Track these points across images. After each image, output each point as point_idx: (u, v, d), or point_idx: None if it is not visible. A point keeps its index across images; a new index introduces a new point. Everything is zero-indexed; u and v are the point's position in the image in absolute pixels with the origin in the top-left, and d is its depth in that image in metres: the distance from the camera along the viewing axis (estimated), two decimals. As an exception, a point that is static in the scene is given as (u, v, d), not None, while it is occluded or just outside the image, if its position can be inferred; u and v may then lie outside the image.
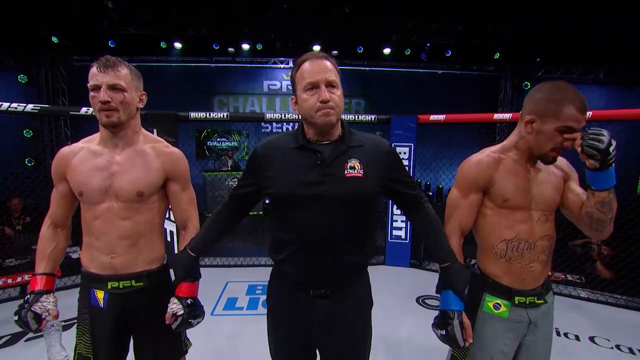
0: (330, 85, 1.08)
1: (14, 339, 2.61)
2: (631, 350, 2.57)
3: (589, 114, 3.11)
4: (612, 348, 2.60)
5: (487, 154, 1.30)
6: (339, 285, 1.18)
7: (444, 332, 1.18)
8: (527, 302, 1.25)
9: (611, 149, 1.05)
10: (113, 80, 1.20)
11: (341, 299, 1.18)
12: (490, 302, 1.28)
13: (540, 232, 1.24)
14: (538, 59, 6.10)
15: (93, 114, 1.25)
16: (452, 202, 1.33)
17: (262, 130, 7.20)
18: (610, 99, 6.81)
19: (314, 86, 1.07)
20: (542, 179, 1.26)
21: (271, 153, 1.17)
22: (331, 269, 1.15)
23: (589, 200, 1.18)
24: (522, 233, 1.24)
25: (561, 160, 1.31)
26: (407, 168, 4.12)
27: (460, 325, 1.17)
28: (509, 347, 1.28)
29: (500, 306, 1.26)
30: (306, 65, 1.09)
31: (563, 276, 3.10)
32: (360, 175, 1.11)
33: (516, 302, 1.25)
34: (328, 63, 1.09)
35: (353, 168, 1.12)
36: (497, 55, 6.23)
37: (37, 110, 3.50)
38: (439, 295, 1.25)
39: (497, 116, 3.94)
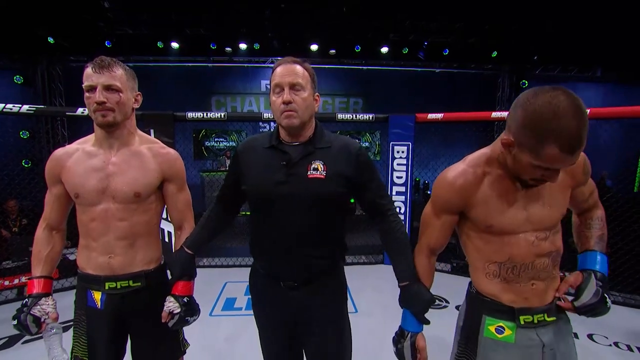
0: (294, 87, 1.12)
1: (11, 341, 2.61)
2: (629, 348, 2.59)
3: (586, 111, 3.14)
4: (610, 345, 2.61)
5: (465, 168, 1.06)
6: (308, 280, 1.21)
7: (395, 349, 1.18)
8: (536, 320, 1.04)
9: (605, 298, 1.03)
10: (108, 81, 1.20)
11: (312, 293, 1.22)
12: (491, 325, 1.08)
13: (538, 252, 1.02)
14: (535, 57, 6.12)
15: (88, 114, 1.24)
16: (424, 218, 1.18)
17: (260, 130, 7.17)
18: (607, 97, 6.86)
19: (279, 88, 1.13)
20: (538, 195, 1.02)
21: (248, 152, 1.24)
22: (298, 264, 1.19)
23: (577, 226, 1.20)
24: (516, 256, 1.03)
25: (577, 162, 1.00)
26: (404, 167, 4.16)
27: (412, 346, 1.13)
28: None
29: (504, 329, 1.06)
30: (277, 70, 1.14)
31: (561, 274, 3.10)
32: (322, 176, 1.14)
33: (522, 322, 1.03)
34: (298, 67, 1.14)
35: (316, 169, 1.15)
36: (494, 54, 6.24)
37: (32, 111, 3.49)
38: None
39: (495, 114, 3.96)
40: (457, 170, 1.06)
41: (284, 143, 1.20)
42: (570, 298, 1.07)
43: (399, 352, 1.16)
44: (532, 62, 6.46)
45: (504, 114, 3.91)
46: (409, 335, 1.14)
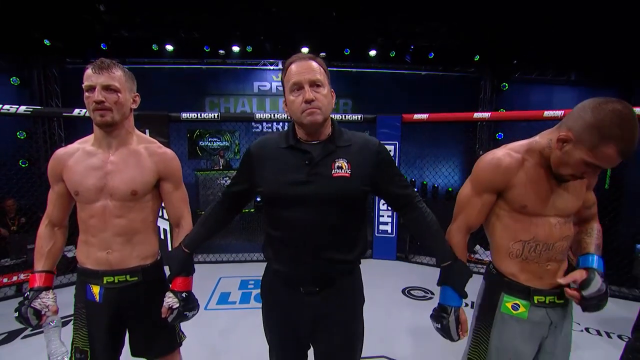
0: (314, 84, 1.08)
1: (10, 336, 2.66)
2: (599, 332, 2.78)
3: (561, 112, 3.33)
4: (581, 331, 2.79)
5: (507, 152, 1.18)
6: (328, 283, 1.18)
7: (439, 325, 1.21)
8: (547, 301, 1.18)
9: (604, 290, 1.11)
10: (107, 81, 1.22)
11: (331, 296, 1.19)
12: (508, 302, 1.21)
13: (559, 234, 1.16)
14: (515, 61, 6.32)
15: (87, 114, 1.29)
16: (463, 199, 1.27)
17: (253, 130, 7.26)
18: (581, 99, 6.97)
19: (298, 87, 1.08)
20: (565, 185, 1.15)
21: (263, 152, 1.19)
22: (320, 267, 1.15)
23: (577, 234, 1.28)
24: (540, 236, 1.16)
25: None
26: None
27: (456, 320, 1.18)
28: (529, 349, 1.21)
29: (519, 306, 1.19)
30: (292, 67, 1.10)
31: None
32: (347, 175, 1.11)
33: (535, 301, 1.17)
34: (314, 63, 1.09)
35: (340, 168, 1.11)
36: (477, 58, 6.43)
37: (30, 112, 3.54)
38: (437, 287, 1.26)
39: (477, 115, 4.11)
40: (502, 153, 1.18)
41: (302, 142, 1.15)
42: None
43: (444, 328, 1.19)
44: (512, 66, 6.67)
45: (486, 114, 4.07)
46: (452, 310, 1.19)
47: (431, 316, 1.25)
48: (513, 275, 1.20)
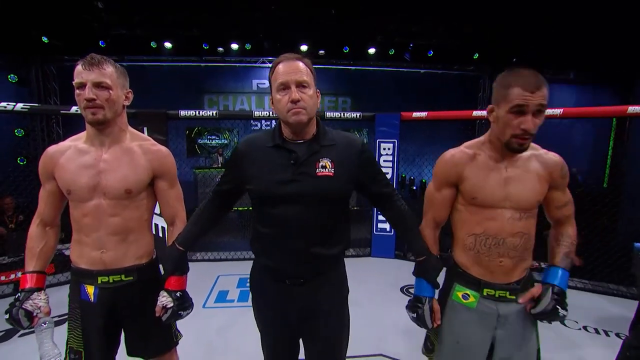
0: (300, 85, 1.11)
1: (7, 335, 2.64)
2: (597, 331, 2.77)
3: (559, 111, 3.33)
4: (579, 329, 2.79)
5: (460, 149, 1.29)
6: (314, 276, 1.22)
7: (414, 315, 1.29)
8: (497, 295, 1.23)
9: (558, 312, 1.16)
10: (98, 78, 1.19)
11: (317, 288, 1.23)
12: (459, 291, 1.29)
13: (511, 230, 1.20)
14: (514, 60, 6.33)
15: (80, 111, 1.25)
16: (428, 196, 1.38)
17: (252, 128, 7.25)
18: (580, 98, 7.08)
19: (285, 87, 1.11)
20: (519, 178, 1.21)
21: (251, 150, 1.21)
22: (305, 261, 1.19)
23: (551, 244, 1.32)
24: (491, 230, 1.21)
25: (555, 162, 1.25)
26: (390, 163, 4.31)
27: (430, 309, 1.27)
28: (477, 337, 1.27)
29: (469, 296, 1.27)
30: (280, 67, 1.12)
31: (537, 264, 3.30)
32: (330, 174, 1.15)
33: (484, 293, 1.24)
34: (300, 64, 1.12)
35: (324, 167, 1.15)
36: (476, 56, 6.44)
37: (27, 109, 3.53)
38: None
39: (476, 113, 4.10)
40: (455, 150, 1.30)
41: (288, 141, 1.18)
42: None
43: (420, 317, 1.28)
44: (511, 64, 6.61)
45: (485, 112, 4.06)
46: (427, 300, 1.28)
47: (407, 307, 1.32)
48: (466, 267, 1.28)
